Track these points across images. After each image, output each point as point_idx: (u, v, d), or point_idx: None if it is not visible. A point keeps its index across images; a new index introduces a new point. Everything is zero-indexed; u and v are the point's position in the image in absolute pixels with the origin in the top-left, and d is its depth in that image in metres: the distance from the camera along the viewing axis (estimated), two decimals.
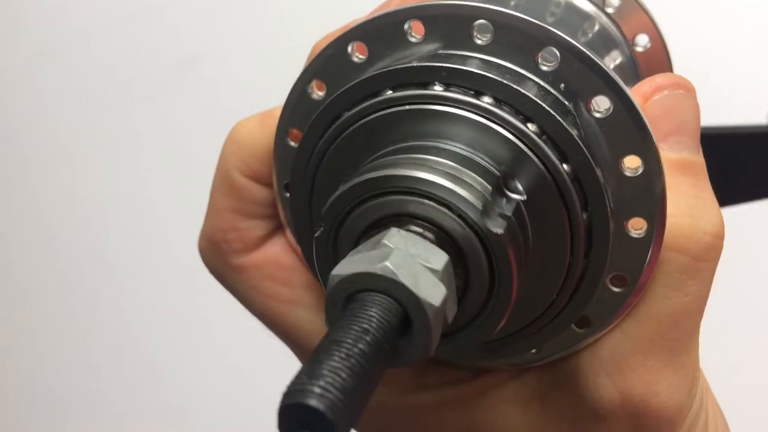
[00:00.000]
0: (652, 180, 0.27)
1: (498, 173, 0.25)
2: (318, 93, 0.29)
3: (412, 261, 0.22)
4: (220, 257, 0.33)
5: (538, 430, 0.31)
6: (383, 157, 0.25)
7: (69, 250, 1.02)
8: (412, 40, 0.27)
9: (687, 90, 0.30)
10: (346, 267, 0.22)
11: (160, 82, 0.98)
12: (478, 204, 0.23)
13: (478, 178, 0.24)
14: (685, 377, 0.30)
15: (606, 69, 0.26)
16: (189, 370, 0.99)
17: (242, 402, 0.98)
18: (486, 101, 0.25)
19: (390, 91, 0.26)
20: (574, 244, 0.26)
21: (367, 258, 0.22)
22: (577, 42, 0.26)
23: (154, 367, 1.00)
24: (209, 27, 0.97)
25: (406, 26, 0.27)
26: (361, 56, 0.28)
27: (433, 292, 0.22)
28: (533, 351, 0.29)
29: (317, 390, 0.18)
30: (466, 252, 0.24)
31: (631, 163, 0.26)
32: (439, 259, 0.23)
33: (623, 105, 0.26)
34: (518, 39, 0.26)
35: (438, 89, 0.25)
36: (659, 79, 0.30)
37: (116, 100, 0.99)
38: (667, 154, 0.29)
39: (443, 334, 0.23)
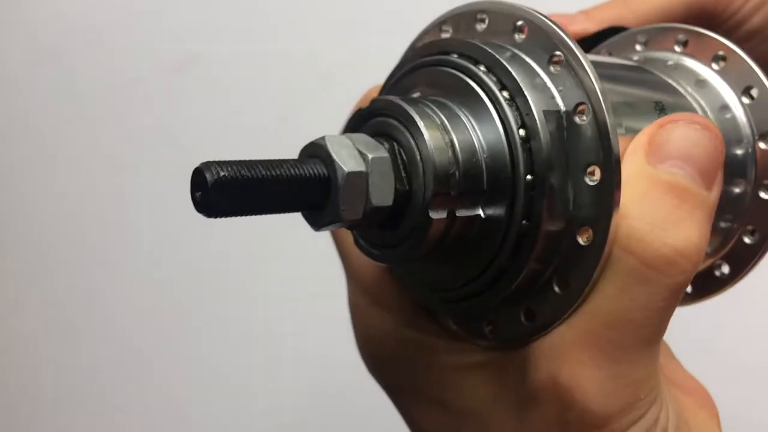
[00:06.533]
0: (606, 193, 0.29)
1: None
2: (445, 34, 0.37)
3: (358, 156, 0.29)
4: None
5: (491, 403, 0.33)
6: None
7: (68, 251, 1.02)
8: (478, 28, 0.34)
9: (704, 128, 0.31)
10: (333, 138, 0.30)
11: (160, 82, 0.98)
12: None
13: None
14: (623, 387, 0.30)
15: (592, 79, 0.29)
16: (189, 371, 0.99)
17: (242, 402, 0.98)
18: (481, 69, 0.31)
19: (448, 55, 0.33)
20: (515, 205, 0.29)
21: (345, 142, 0.30)
22: (580, 53, 0.30)
23: (152, 370, 1.00)
24: (209, 27, 0.97)
25: (478, 16, 0.34)
26: (447, 31, 0.36)
27: (352, 164, 0.29)
28: (489, 329, 0.33)
29: (214, 169, 0.26)
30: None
31: (593, 173, 0.29)
32: (380, 157, 0.30)
33: (595, 117, 0.29)
34: (542, 40, 0.31)
35: (453, 56, 0.32)
36: (680, 114, 0.32)
37: (116, 100, 0.99)
38: (660, 174, 0.30)
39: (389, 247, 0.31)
